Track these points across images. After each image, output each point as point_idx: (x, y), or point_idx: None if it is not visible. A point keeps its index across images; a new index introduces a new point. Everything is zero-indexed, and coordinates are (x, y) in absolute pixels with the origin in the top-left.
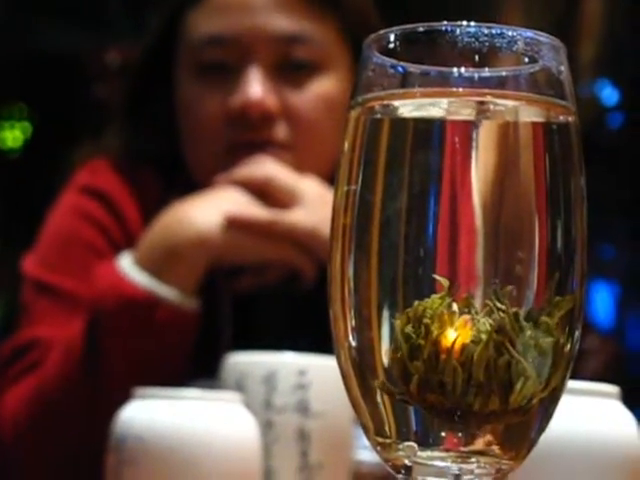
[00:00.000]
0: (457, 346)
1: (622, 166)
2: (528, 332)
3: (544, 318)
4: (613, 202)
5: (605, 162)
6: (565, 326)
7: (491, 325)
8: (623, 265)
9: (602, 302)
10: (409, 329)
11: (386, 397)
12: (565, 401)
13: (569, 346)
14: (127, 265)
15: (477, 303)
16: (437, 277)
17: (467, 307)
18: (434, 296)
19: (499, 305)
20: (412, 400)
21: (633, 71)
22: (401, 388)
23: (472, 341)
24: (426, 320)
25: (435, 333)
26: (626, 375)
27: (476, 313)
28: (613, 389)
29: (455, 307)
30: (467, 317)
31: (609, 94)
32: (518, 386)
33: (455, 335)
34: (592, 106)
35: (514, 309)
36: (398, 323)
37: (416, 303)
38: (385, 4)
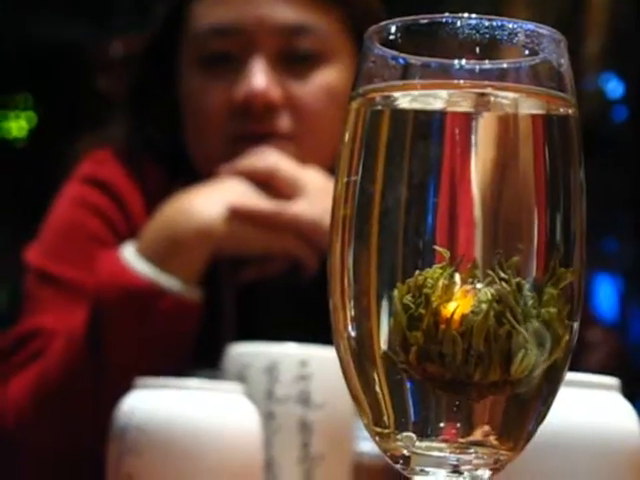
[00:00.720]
0: (456, 316)
1: (626, 159)
2: (530, 302)
3: (547, 289)
4: (617, 195)
5: (609, 155)
6: (567, 301)
7: (492, 295)
8: (626, 258)
9: (605, 295)
10: (408, 299)
11: (385, 387)
12: (565, 393)
13: (571, 325)
14: (130, 255)
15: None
16: (437, 248)
17: (469, 277)
18: (435, 266)
19: (501, 275)
20: (412, 370)
21: (638, 64)
22: (402, 358)
23: (472, 311)
24: (426, 290)
25: (435, 303)
26: (629, 368)
27: (478, 282)
28: (613, 381)
29: (457, 277)
30: (468, 287)
31: (614, 87)
32: (519, 357)
33: (455, 305)
34: (596, 99)
35: (517, 279)
36: (397, 293)
37: (417, 273)
38: None
